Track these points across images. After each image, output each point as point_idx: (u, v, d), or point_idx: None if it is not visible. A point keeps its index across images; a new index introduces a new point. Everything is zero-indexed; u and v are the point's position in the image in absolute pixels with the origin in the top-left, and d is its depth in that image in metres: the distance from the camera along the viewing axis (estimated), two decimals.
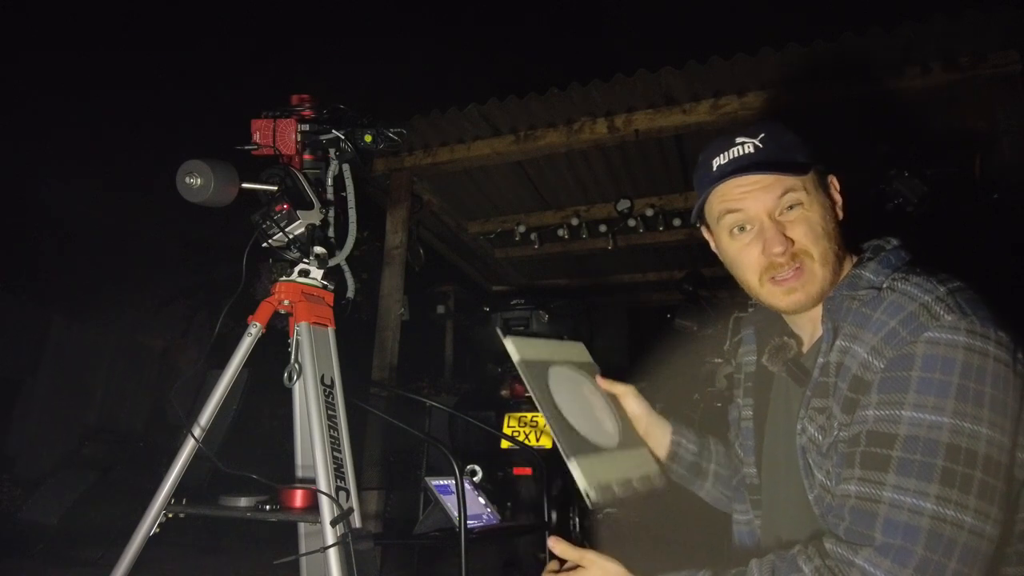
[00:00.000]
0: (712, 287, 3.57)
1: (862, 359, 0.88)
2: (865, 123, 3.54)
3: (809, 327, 1.07)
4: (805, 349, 1.07)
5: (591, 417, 1.15)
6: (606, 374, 1.27)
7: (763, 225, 0.98)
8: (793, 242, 0.97)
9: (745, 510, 1.15)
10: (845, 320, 0.93)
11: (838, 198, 1.04)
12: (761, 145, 0.99)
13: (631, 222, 4.86)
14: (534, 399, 1.08)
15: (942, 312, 0.84)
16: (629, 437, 1.19)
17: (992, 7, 2.79)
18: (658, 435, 1.24)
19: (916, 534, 0.78)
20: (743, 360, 1.22)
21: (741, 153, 0.99)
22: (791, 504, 1.04)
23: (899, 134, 3.56)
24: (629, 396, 1.24)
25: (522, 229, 5.16)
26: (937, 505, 0.78)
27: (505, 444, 2.99)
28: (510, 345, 1.13)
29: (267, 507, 1.34)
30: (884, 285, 0.91)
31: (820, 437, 0.94)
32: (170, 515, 1.34)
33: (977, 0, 2.80)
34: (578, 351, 1.29)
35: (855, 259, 1.02)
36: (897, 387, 0.84)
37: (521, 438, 2.97)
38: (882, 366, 0.86)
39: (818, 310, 1.01)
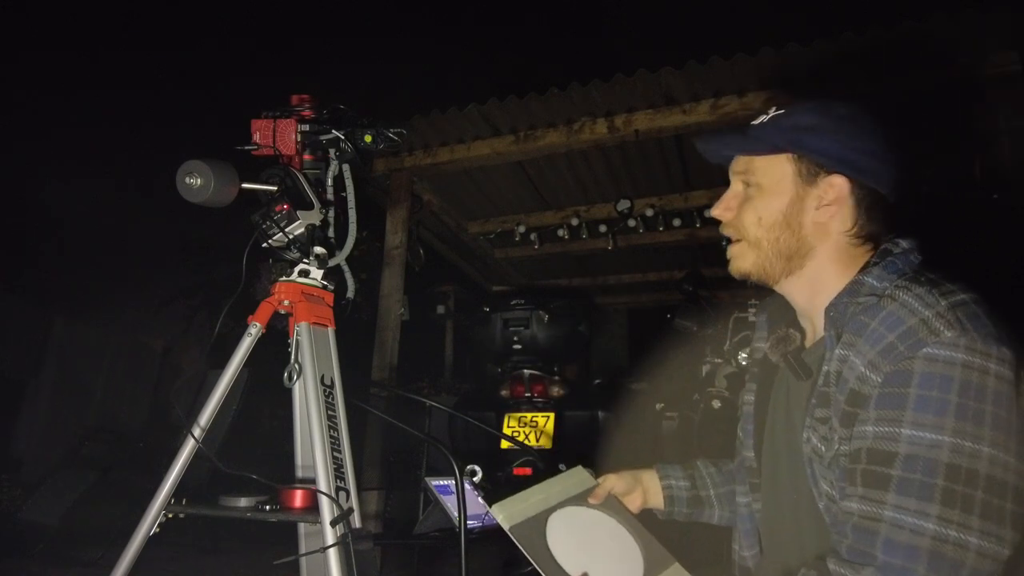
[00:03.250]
0: (712, 287, 3.57)
1: (859, 372, 0.87)
2: None
3: (810, 319, 1.06)
4: (808, 343, 1.06)
5: (608, 559, 1.09)
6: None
7: (732, 186, 1.07)
8: (733, 215, 1.05)
9: (745, 492, 1.16)
10: (846, 327, 0.92)
11: (824, 197, 0.99)
12: (766, 118, 1.03)
13: (631, 222, 4.85)
14: (536, 568, 0.99)
15: (941, 328, 0.81)
16: (654, 560, 1.12)
17: (992, 7, 2.79)
18: (652, 490, 1.24)
19: (917, 554, 0.77)
20: (755, 345, 1.22)
21: (755, 121, 1.05)
22: (791, 496, 1.04)
23: (899, 134, 3.55)
24: (614, 486, 1.21)
25: (522, 229, 5.16)
26: (939, 525, 0.77)
27: (505, 444, 2.99)
28: (497, 513, 1.05)
29: (267, 507, 1.33)
30: (886, 292, 0.89)
31: (823, 448, 0.93)
32: (170, 515, 1.34)
33: (977, 0, 2.80)
34: (578, 480, 1.21)
35: (864, 259, 0.99)
36: (895, 404, 0.82)
37: (521, 438, 2.97)
38: (879, 380, 0.84)
39: (818, 304, 1.00)
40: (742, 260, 1.05)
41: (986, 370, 0.80)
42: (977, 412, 0.79)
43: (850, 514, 0.85)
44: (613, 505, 1.19)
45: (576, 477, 1.22)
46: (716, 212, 1.07)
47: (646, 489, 1.24)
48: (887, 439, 0.82)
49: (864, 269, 0.97)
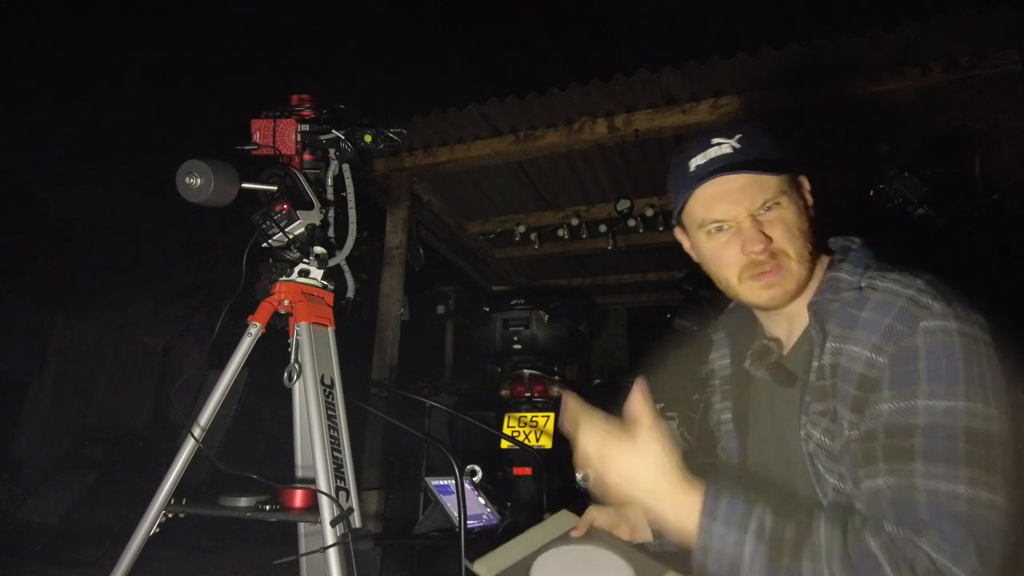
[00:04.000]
0: (712, 287, 3.57)
1: (866, 358, 0.88)
2: (865, 123, 3.54)
3: (785, 326, 1.07)
4: (785, 351, 1.07)
5: None
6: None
7: (741, 225, 0.99)
8: (771, 240, 0.98)
9: None
10: (831, 322, 0.94)
11: (809, 199, 1.05)
12: (739, 145, 0.99)
13: (631, 222, 4.85)
14: None
15: (929, 301, 0.86)
16: (646, 573, 1.07)
17: (992, 7, 2.79)
18: (639, 524, 1.22)
19: (958, 518, 0.77)
20: (717, 364, 1.22)
21: (719, 153, 0.99)
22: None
23: (899, 134, 3.55)
24: (596, 519, 1.19)
25: (522, 229, 5.15)
26: (969, 487, 0.78)
27: (505, 444, 2.99)
28: (479, 569, 1.05)
29: (267, 507, 1.34)
30: (863, 284, 0.93)
31: (828, 440, 0.92)
32: (170, 515, 1.34)
33: (977, 0, 2.80)
34: (562, 521, 1.19)
35: (827, 259, 1.04)
36: (907, 380, 0.84)
37: (521, 438, 2.97)
38: (887, 362, 0.86)
39: (795, 308, 1.03)
40: (789, 280, 0.99)
41: (975, 336, 0.84)
42: (980, 375, 0.82)
43: (878, 491, 0.83)
44: (597, 535, 1.16)
45: (560, 520, 1.20)
46: (759, 250, 0.98)
47: (632, 524, 1.21)
48: (904, 412, 0.84)
49: (833, 266, 1.01)
